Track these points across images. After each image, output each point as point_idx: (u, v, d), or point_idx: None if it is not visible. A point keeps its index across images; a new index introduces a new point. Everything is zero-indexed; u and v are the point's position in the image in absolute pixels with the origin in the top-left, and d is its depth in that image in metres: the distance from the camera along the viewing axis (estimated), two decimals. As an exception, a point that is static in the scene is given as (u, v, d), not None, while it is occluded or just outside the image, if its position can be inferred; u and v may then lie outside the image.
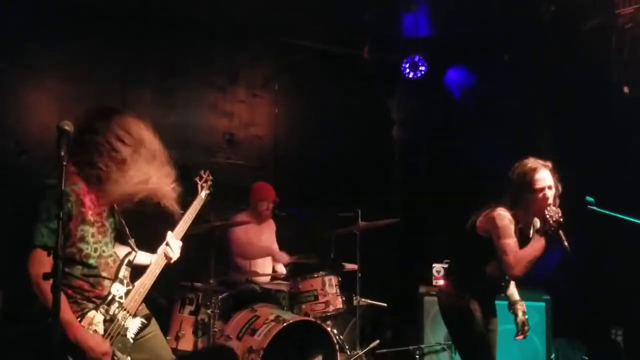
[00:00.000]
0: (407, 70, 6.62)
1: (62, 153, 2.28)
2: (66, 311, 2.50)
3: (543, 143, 5.52)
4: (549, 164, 3.31)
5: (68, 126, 2.31)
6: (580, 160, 5.08)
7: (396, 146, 7.16)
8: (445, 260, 5.35)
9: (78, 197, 2.63)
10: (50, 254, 2.22)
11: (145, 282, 2.88)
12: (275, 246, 5.36)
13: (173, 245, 3.05)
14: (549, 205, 3.20)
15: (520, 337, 3.48)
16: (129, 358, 2.74)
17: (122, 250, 2.92)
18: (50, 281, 2.20)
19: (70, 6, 5.15)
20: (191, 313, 4.40)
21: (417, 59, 6.56)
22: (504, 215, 3.21)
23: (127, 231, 2.92)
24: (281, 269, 5.35)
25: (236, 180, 5.52)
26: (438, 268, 5.38)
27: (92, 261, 2.68)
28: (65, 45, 5.16)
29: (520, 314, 3.50)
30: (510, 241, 3.15)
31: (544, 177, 3.24)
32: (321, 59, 6.51)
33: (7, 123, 4.95)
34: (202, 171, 3.60)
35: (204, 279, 4.27)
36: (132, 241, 2.92)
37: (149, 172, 2.74)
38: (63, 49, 5.17)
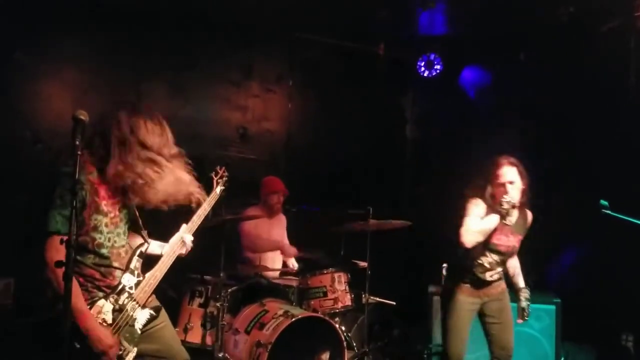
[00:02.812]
0: (423, 69, 6.59)
1: (77, 142, 2.29)
2: (79, 300, 2.52)
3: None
4: (515, 161, 3.69)
5: (83, 116, 2.32)
6: (595, 163, 5.04)
7: (409, 144, 7.14)
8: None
9: (93, 187, 2.64)
10: (62, 242, 2.24)
11: (156, 274, 2.90)
12: (286, 240, 5.37)
13: (185, 239, 3.07)
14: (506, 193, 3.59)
15: (520, 321, 3.85)
16: (135, 349, 2.75)
17: (136, 241, 2.93)
18: (63, 269, 2.21)
19: (87, -2, 5.19)
20: (200, 306, 4.42)
21: (432, 57, 6.52)
22: (472, 200, 3.67)
23: (141, 222, 2.93)
24: (293, 264, 5.36)
25: (248, 175, 5.53)
26: (448, 268, 5.36)
27: (104, 251, 2.70)
28: (81, 37, 5.19)
29: (522, 299, 3.85)
30: (467, 218, 3.58)
31: (506, 172, 3.63)
32: (336, 55, 6.49)
33: (23, 112, 4.99)
34: (218, 167, 3.60)
35: (214, 272, 4.28)
36: (144, 232, 2.93)
37: (165, 175, 2.73)
38: (79, 40, 5.20)
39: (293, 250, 5.18)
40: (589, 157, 5.11)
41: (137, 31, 5.41)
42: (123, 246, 2.81)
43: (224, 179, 3.56)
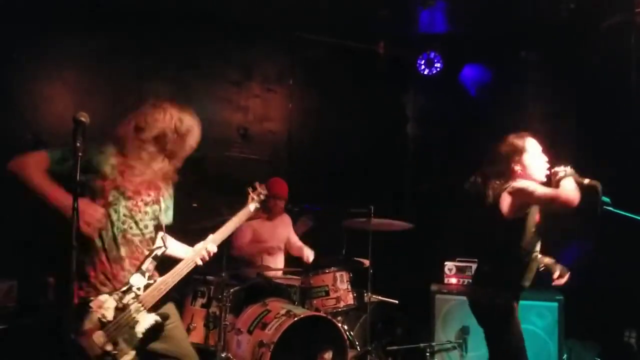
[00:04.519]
0: (423, 67, 6.59)
1: (78, 144, 2.29)
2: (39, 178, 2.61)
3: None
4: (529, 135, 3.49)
5: (84, 117, 2.33)
6: (597, 160, 5.03)
7: (410, 143, 7.13)
8: (459, 259, 5.35)
9: (116, 165, 2.70)
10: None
11: (168, 280, 2.86)
12: (294, 239, 5.36)
13: (207, 250, 3.05)
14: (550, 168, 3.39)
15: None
16: (133, 352, 2.69)
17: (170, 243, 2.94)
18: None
19: (88, -2, 5.19)
20: (203, 306, 4.41)
21: (432, 55, 6.51)
22: (522, 180, 3.33)
23: (164, 226, 2.91)
24: (308, 256, 5.21)
25: (249, 175, 5.51)
26: (450, 266, 5.38)
27: (115, 231, 2.70)
28: (81, 37, 5.19)
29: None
30: (545, 188, 3.27)
31: (534, 144, 3.45)
32: (336, 54, 6.49)
33: (23, 113, 4.98)
34: (257, 183, 3.43)
35: (216, 272, 4.28)
36: (165, 236, 2.89)
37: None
38: (79, 40, 5.19)
39: (307, 253, 5.17)
40: (590, 154, 5.10)
41: (137, 31, 5.40)
42: (137, 235, 2.80)
43: (261, 197, 3.38)
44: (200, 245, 3.05)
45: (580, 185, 3.28)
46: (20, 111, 4.95)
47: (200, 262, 3.00)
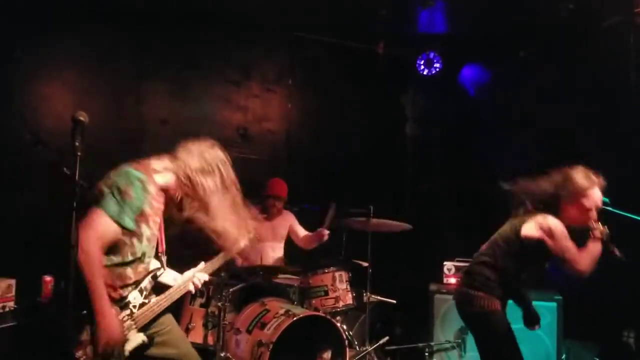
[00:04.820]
0: (422, 67, 6.59)
1: (77, 144, 2.29)
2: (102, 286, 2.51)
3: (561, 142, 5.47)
4: (601, 180, 3.43)
5: (83, 117, 2.32)
6: (596, 161, 5.03)
7: (409, 143, 7.13)
8: (458, 259, 5.35)
9: (152, 200, 2.68)
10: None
11: (161, 302, 2.88)
12: (301, 232, 5.31)
13: (195, 279, 3.08)
14: (595, 222, 3.39)
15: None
16: None
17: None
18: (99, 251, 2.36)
19: (87, -2, 5.19)
20: (202, 305, 4.42)
21: (432, 55, 6.52)
22: (557, 222, 3.32)
23: (164, 249, 2.93)
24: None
25: (249, 175, 5.51)
26: (449, 266, 5.38)
27: (138, 255, 2.70)
28: (81, 37, 5.19)
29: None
30: (570, 243, 3.28)
31: (597, 197, 3.39)
32: (336, 54, 6.49)
33: (22, 113, 4.99)
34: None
35: (215, 271, 4.28)
36: (164, 258, 2.93)
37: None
38: (79, 40, 5.20)
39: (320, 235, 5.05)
40: (590, 154, 5.10)
41: (137, 31, 5.41)
42: (149, 258, 2.82)
43: (252, 235, 3.54)
44: (190, 273, 3.09)
45: (606, 246, 3.34)
46: (20, 111, 4.95)
47: (192, 289, 3.08)
